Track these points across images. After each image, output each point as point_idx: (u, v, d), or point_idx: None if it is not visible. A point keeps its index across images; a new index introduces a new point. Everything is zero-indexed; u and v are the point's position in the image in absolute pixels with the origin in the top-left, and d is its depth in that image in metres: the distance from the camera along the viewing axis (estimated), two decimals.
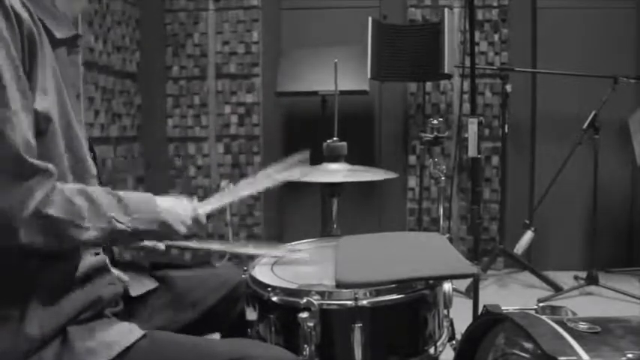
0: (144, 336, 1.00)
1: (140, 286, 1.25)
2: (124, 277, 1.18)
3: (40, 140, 0.92)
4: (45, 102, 0.94)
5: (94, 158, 1.13)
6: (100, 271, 1.06)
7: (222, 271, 1.44)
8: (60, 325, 0.96)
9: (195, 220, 1.14)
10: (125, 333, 1.00)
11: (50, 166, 0.91)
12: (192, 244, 1.52)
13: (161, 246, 1.35)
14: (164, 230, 1.07)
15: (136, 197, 1.04)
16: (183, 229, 1.10)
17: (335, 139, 1.60)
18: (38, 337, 0.93)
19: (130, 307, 1.19)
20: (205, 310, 1.31)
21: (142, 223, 1.02)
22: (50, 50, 0.98)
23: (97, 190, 0.98)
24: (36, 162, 0.88)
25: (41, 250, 0.90)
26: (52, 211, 0.89)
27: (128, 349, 0.98)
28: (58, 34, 1.00)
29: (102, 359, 0.95)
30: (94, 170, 1.08)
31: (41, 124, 0.93)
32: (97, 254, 1.07)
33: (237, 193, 1.29)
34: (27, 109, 0.89)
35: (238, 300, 1.32)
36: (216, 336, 1.40)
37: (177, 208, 1.10)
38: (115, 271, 1.14)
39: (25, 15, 0.91)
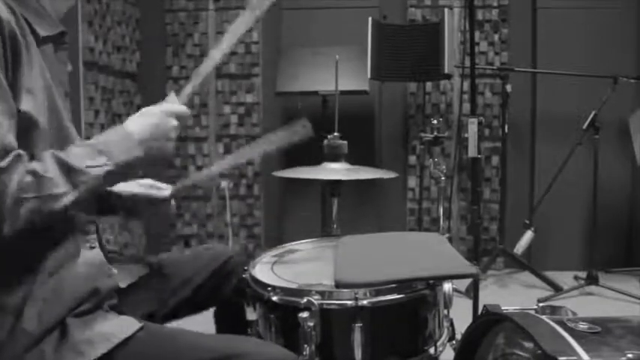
0: (141, 328, 1.01)
1: (129, 275, 1.25)
2: (113, 269, 1.18)
3: (25, 140, 0.92)
4: (30, 102, 0.93)
5: None
6: (96, 264, 1.06)
7: (211, 246, 1.44)
8: (59, 317, 0.96)
9: (177, 118, 1.07)
10: (123, 325, 1.00)
11: (18, 151, 0.89)
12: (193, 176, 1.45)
13: (163, 194, 1.31)
14: (150, 153, 1.01)
15: (106, 134, 1.00)
16: (169, 145, 1.04)
17: (336, 134, 1.60)
18: (37, 331, 0.94)
19: (121, 296, 1.19)
20: (196, 288, 1.32)
21: (121, 154, 0.97)
22: (36, 48, 0.98)
23: (67, 149, 0.95)
24: (6, 162, 0.86)
25: (28, 232, 0.89)
26: (29, 193, 0.88)
27: (126, 341, 0.98)
28: (43, 32, 1.00)
29: (100, 350, 0.96)
30: None
31: (26, 124, 0.92)
32: (92, 248, 1.07)
33: (206, 65, 1.19)
34: (7, 113, 0.89)
35: (230, 275, 1.33)
36: (211, 318, 1.41)
37: (152, 124, 1.03)
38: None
39: (5, 14, 0.90)
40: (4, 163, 0.86)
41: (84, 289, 1.00)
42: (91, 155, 0.95)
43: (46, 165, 0.92)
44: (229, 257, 1.34)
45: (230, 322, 1.36)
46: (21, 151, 0.90)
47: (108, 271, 1.10)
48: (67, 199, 0.92)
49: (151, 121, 1.04)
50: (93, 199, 1.01)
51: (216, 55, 1.20)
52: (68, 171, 0.93)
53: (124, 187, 1.30)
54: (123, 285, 1.21)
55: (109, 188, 1.24)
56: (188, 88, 1.15)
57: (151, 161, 1.03)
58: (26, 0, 0.99)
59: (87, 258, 1.04)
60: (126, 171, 1.00)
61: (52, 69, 1.02)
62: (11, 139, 0.89)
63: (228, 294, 1.33)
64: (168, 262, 1.34)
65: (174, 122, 1.06)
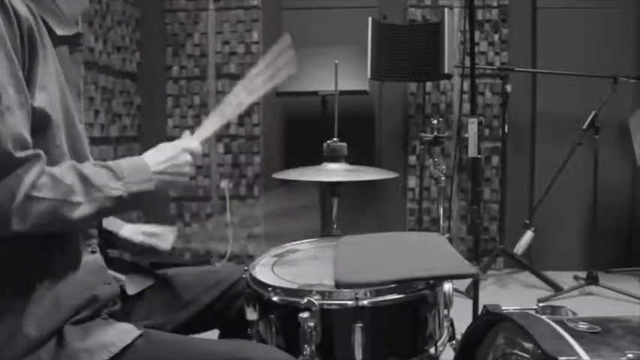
0: (140, 336, 1.00)
1: (137, 284, 1.24)
2: (120, 276, 1.18)
3: (40, 137, 0.92)
4: (44, 98, 0.94)
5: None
6: (96, 270, 1.06)
7: (221, 268, 1.43)
8: (57, 324, 0.96)
9: (192, 155, 1.11)
10: (122, 333, 1.00)
11: (38, 151, 0.90)
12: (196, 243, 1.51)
13: (165, 246, 1.34)
14: (163, 187, 1.05)
15: (126, 162, 1.03)
16: (182, 180, 1.08)
17: (335, 139, 1.60)
18: (36, 336, 0.93)
19: (127, 306, 1.19)
20: (203, 308, 1.31)
21: (135, 184, 1.00)
22: (52, 48, 0.98)
23: (86, 164, 0.98)
24: (23, 153, 0.87)
25: (37, 234, 0.90)
26: (43, 193, 0.88)
27: (125, 349, 0.97)
28: (59, 32, 1.01)
29: (98, 359, 0.95)
30: None
31: (40, 120, 0.93)
32: (93, 252, 1.07)
33: (225, 112, 1.27)
34: (22, 106, 0.89)
35: (237, 297, 1.31)
36: (215, 333, 1.40)
37: (169, 160, 1.07)
38: (110, 272, 1.14)
39: (24, 11, 0.91)
40: (21, 154, 0.87)
41: (83, 296, 1.00)
42: (109, 177, 0.97)
43: (64, 172, 0.93)
44: (239, 278, 1.32)
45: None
46: (40, 152, 0.90)
47: (107, 277, 1.09)
48: (82, 211, 0.93)
49: (166, 154, 1.07)
50: (99, 220, 1.04)
51: (232, 108, 1.31)
52: (86, 184, 0.94)
53: (127, 233, 1.30)
54: (130, 292, 1.21)
55: (112, 229, 1.26)
56: (201, 137, 1.20)
57: (163, 194, 1.06)
58: (43, 0, 1.00)
59: (87, 262, 1.04)
60: (135, 201, 1.01)
61: (66, 70, 1.02)
62: (26, 133, 0.89)
63: (234, 315, 1.32)
64: (177, 277, 1.33)
65: (189, 157, 1.10)
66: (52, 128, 0.95)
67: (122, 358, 0.97)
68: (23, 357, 0.93)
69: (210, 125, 1.24)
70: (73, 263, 1.01)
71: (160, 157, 1.06)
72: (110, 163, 1.00)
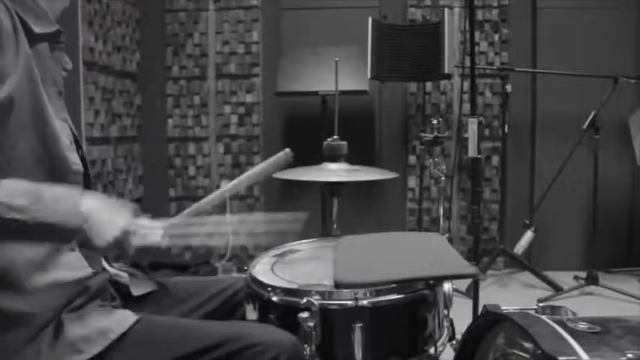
0: (138, 321, 1.00)
1: (141, 286, 1.24)
2: (123, 274, 1.18)
3: (1, 129, 0.91)
4: (4, 89, 0.92)
5: (83, 158, 1.10)
6: (77, 265, 1.04)
7: (223, 278, 1.42)
8: (52, 314, 0.96)
9: (123, 235, 0.97)
10: (119, 319, 1.00)
11: None
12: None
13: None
14: (82, 233, 0.93)
15: (60, 191, 0.93)
16: (101, 242, 0.94)
17: (335, 137, 1.60)
18: (31, 328, 0.94)
19: (131, 307, 1.19)
20: (204, 317, 1.29)
21: (50, 215, 0.89)
22: (25, 43, 0.97)
23: (10, 181, 0.89)
24: None
25: None
26: None
27: (123, 334, 0.98)
28: (37, 29, 1.01)
29: (98, 346, 0.96)
30: (76, 168, 1.04)
31: (2, 112, 0.92)
32: (72, 250, 1.05)
33: (188, 217, 1.18)
34: None
35: (239, 306, 1.30)
36: None
37: (107, 216, 0.95)
38: (114, 270, 1.14)
39: None
40: None
41: (71, 291, 1.00)
42: (23, 196, 0.88)
43: None
44: (241, 288, 1.31)
45: None
46: None
47: (95, 267, 1.09)
48: None
49: (112, 215, 0.96)
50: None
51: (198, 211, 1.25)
52: None
53: None
54: (135, 293, 1.21)
55: None
56: (145, 238, 1.03)
57: (86, 240, 0.95)
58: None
59: (69, 261, 1.03)
60: (43, 231, 0.90)
61: (43, 66, 1.01)
62: None
63: None
64: (180, 285, 1.33)
65: (112, 239, 0.95)
66: (14, 120, 0.93)
67: (121, 343, 0.97)
68: (21, 349, 0.93)
69: (164, 230, 1.09)
70: (55, 261, 1.00)
71: (101, 208, 0.95)
72: (43, 187, 0.91)
